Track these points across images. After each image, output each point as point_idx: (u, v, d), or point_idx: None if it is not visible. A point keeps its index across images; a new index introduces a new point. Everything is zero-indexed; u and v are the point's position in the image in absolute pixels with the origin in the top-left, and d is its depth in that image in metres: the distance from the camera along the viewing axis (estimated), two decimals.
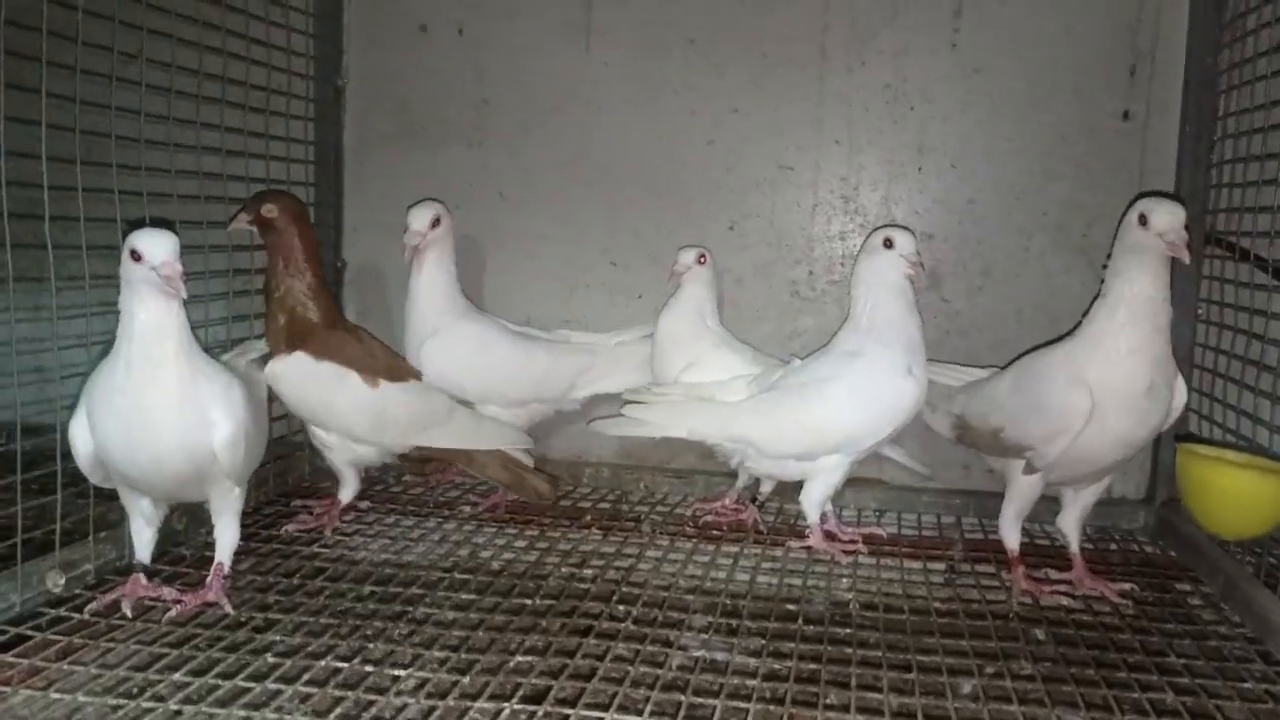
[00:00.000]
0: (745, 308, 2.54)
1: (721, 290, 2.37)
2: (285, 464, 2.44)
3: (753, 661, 1.58)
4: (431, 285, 2.30)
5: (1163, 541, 2.26)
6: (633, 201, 2.60)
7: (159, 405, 1.61)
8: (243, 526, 1.87)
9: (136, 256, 1.57)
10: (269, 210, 2.06)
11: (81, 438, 1.67)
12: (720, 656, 1.60)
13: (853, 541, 2.13)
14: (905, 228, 2.07)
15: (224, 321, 2.24)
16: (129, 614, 1.68)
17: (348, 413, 2.12)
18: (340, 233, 2.68)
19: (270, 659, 1.53)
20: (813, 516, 2.10)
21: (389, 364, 2.19)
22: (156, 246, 1.57)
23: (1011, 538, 1.98)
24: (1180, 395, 1.87)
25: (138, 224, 1.64)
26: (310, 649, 1.58)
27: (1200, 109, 2.25)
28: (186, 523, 2.01)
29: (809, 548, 2.09)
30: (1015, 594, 1.88)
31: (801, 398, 2.07)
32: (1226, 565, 1.94)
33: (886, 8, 2.45)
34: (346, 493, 2.22)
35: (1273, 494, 1.93)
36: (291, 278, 2.07)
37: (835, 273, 2.51)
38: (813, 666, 1.56)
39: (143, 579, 1.75)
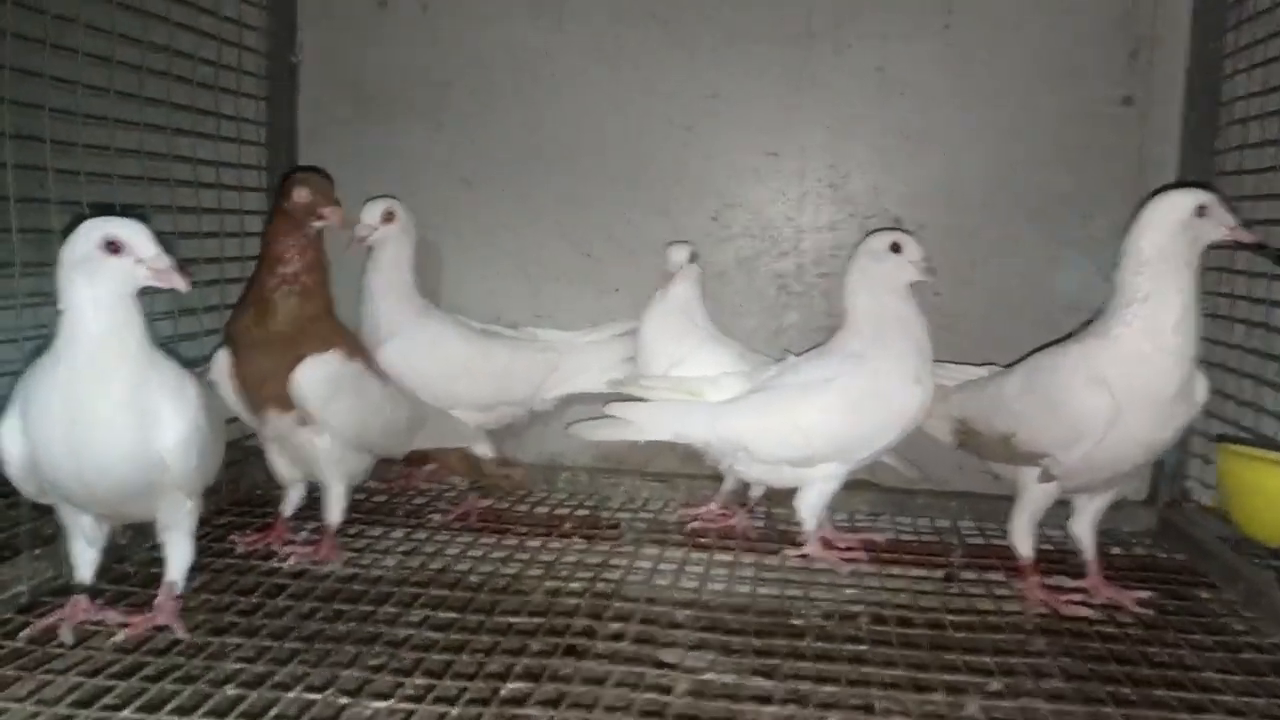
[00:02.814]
0: (727, 303, 2.40)
1: (704, 285, 2.23)
2: (238, 470, 2.25)
3: (767, 684, 1.44)
4: (388, 285, 2.18)
5: (1167, 544, 2.17)
6: (607, 191, 2.46)
7: (104, 408, 1.43)
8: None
9: (115, 248, 1.40)
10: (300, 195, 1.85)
11: (13, 444, 1.48)
12: (729, 679, 1.46)
13: (851, 549, 2.01)
14: (908, 231, 1.98)
15: (169, 315, 2.05)
16: (69, 641, 1.51)
17: (373, 415, 1.92)
18: None
19: (231, 691, 1.37)
20: (810, 524, 1.98)
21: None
22: (144, 237, 1.41)
23: (1024, 546, 1.85)
24: (1202, 392, 1.77)
25: (78, 218, 1.47)
26: (277, 678, 1.41)
27: (1205, 93, 2.17)
28: (131, 536, 1.82)
29: (806, 556, 1.97)
30: (1030, 604, 1.78)
31: (799, 400, 1.94)
32: (1245, 571, 1.85)
33: None
34: (335, 513, 1.93)
35: None
36: (312, 271, 1.84)
37: (825, 265, 2.38)
38: (831, 689, 1.43)
39: (84, 601, 1.57)
